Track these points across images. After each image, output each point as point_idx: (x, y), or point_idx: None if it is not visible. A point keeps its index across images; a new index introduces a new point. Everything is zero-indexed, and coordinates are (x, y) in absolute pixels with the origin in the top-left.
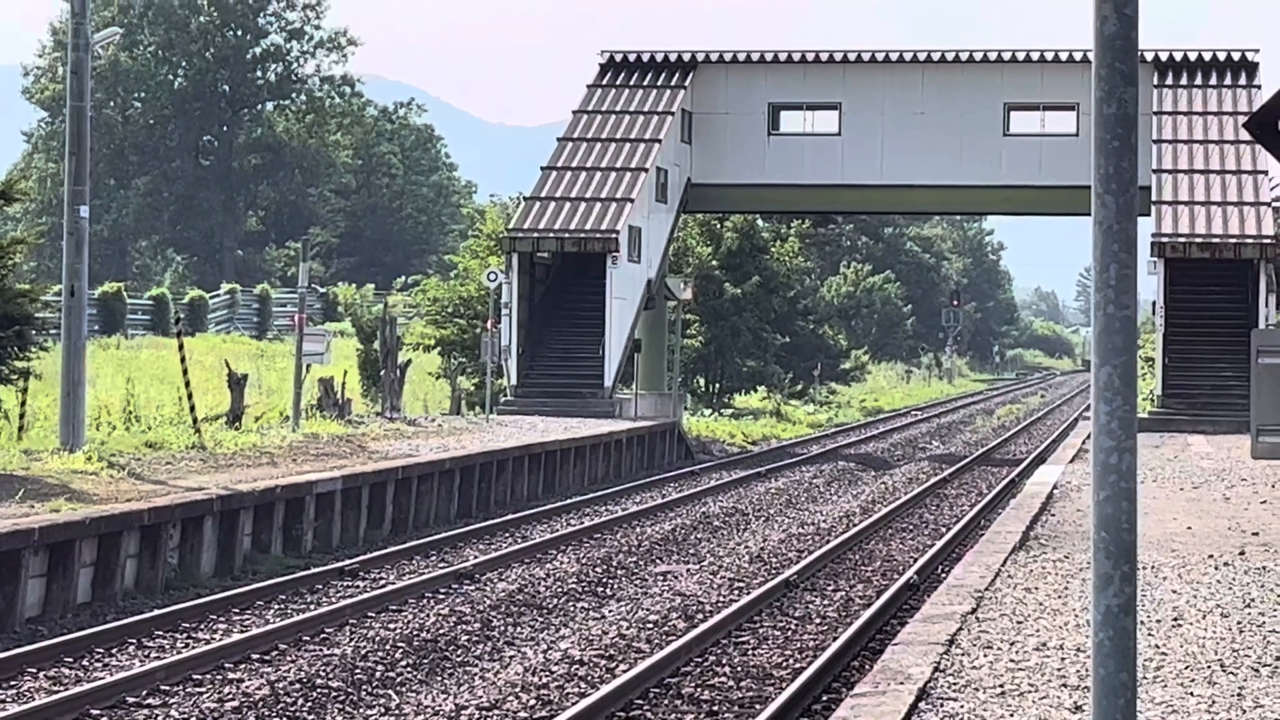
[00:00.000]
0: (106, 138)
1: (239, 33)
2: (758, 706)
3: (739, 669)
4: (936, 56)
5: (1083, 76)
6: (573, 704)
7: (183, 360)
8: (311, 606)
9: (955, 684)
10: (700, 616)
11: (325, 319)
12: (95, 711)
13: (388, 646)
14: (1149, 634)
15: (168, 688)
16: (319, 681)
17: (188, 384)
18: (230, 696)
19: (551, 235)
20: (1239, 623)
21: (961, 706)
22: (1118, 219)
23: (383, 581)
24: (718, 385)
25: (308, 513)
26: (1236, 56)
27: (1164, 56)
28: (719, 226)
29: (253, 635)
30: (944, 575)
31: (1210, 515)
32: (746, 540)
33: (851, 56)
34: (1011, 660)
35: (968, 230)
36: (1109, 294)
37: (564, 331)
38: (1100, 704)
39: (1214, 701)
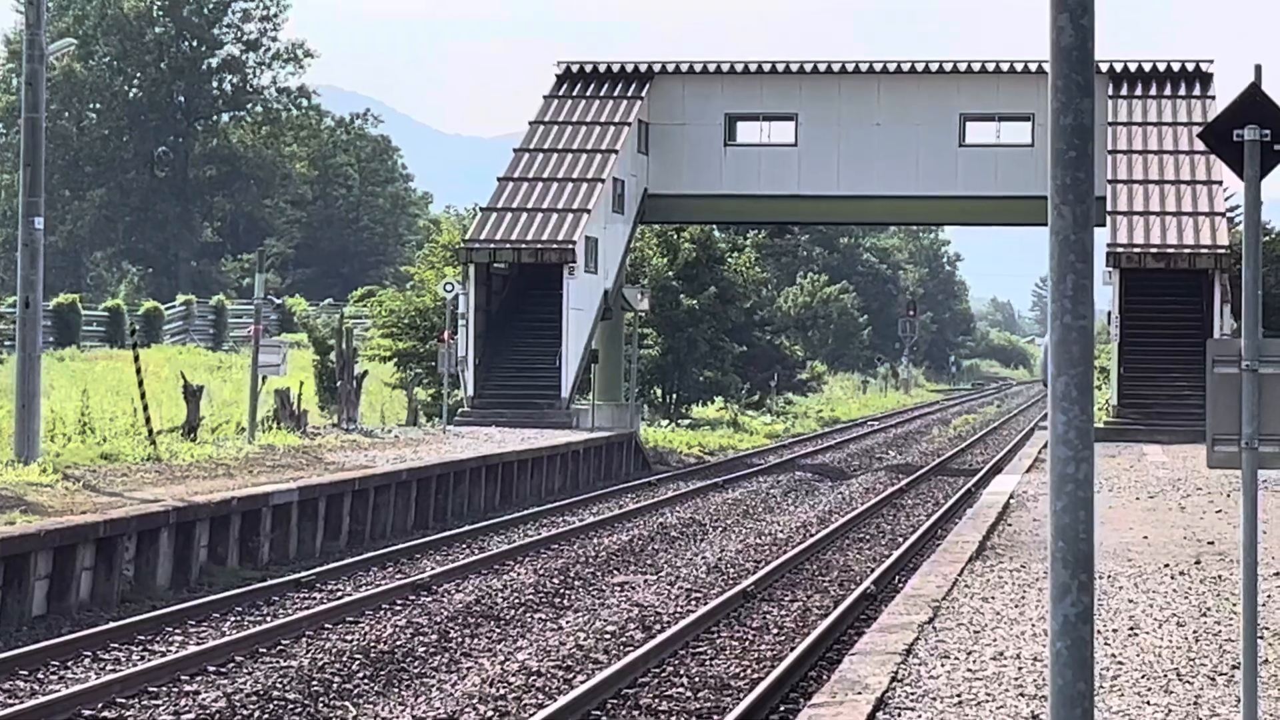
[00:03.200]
0: (61, 149)
1: (194, 44)
2: (715, 717)
3: (697, 680)
4: (893, 68)
5: (1038, 87)
6: (530, 715)
7: (138, 372)
8: (268, 618)
9: (913, 694)
10: (658, 627)
11: (281, 330)
12: None
13: (344, 658)
14: (1106, 643)
15: (124, 700)
16: (275, 693)
17: (143, 395)
18: (187, 709)
19: (508, 246)
20: (1195, 632)
21: (919, 716)
22: (1074, 229)
23: (339, 593)
24: (675, 396)
25: (264, 524)
26: (1191, 67)
27: (1119, 67)
28: (676, 237)
29: (209, 647)
30: (901, 585)
31: (1166, 524)
32: (704, 551)
33: (808, 68)
34: (969, 670)
35: (924, 240)
36: (1065, 304)
37: (521, 342)
38: (1058, 713)
39: (1170, 711)
